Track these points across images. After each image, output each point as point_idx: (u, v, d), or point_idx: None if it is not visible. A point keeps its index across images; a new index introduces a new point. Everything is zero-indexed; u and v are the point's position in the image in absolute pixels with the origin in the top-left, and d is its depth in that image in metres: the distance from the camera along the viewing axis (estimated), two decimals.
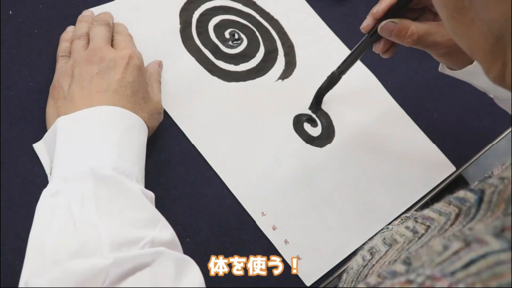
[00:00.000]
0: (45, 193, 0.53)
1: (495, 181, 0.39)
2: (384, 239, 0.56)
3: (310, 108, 0.75)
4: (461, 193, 0.44)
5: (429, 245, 0.39)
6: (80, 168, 0.53)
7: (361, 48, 0.66)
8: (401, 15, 0.61)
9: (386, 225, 0.69)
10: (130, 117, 0.59)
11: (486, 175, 0.52)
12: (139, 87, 0.62)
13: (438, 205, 0.48)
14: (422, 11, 0.64)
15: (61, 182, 0.53)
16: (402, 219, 0.67)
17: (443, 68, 0.69)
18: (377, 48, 0.64)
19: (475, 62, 0.63)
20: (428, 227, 0.48)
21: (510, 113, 0.71)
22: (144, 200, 0.54)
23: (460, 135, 0.84)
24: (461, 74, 0.66)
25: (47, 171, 0.58)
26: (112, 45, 0.65)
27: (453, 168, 0.79)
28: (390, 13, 0.61)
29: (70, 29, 0.67)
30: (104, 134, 0.56)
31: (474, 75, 0.65)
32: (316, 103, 0.75)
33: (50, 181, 0.55)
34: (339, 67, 0.70)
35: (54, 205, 0.51)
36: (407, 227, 0.52)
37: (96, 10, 0.70)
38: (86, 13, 0.68)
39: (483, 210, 0.39)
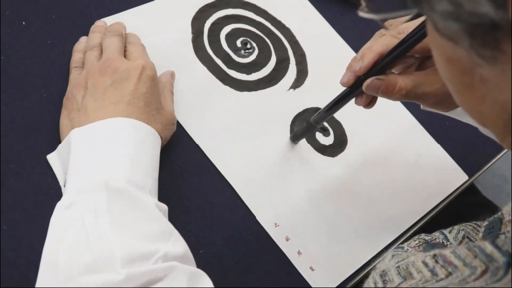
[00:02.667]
0: (59, 206, 0.53)
1: None
2: (399, 267, 0.55)
3: (290, 138, 0.72)
4: (488, 247, 0.43)
5: None
6: (94, 180, 0.53)
7: (340, 102, 0.62)
8: (386, 71, 0.57)
9: (400, 243, 0.68)
10: (144, 128, 0.59)
11: (496, 215, 0.51)
12: (153, 98, 0.61)
13: (462, 251, 0.47)
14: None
15: (75, 195, 0.53)
16: (420, 242, 0.66)
17: (425, 107, 0.65)
18: (359, 102, 0.60)
19: None
20: (450, 273, 0.47)
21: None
22: (158, 213, 0.54)
23: (472, 143, 0.84)
24: (449, 113, 0.64)
25: (61, 183, 0.58)
26: (125, 56, 0.65)
27: (466, 177, 0.79)
28: (373, 69, 0.57)
29: (83, 39, 0.67)
30: (118, 146, 0.56)
31: (463, 115, 0.62)
32: (293, 139, 0.72)
33: (64, 193, 0.55)
34: (314, 118, 0.66)
35: (68, 218, 0.52)
36: (425, 264, 0.51)
37: (109, 20, 0.70)
38: (98, 23, 0.69)
39: (509, 274, 0.39)
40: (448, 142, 0.81)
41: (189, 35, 0.74)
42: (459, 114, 0.63)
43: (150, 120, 0.60)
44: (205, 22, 0.76)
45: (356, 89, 0.59)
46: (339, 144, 0.74)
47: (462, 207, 0.92)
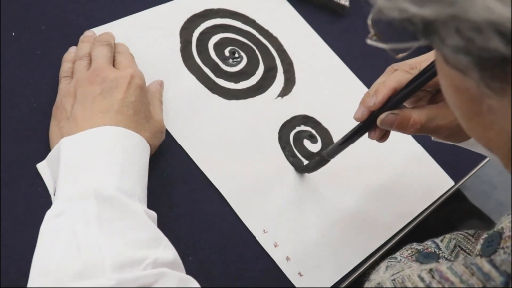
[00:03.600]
0: (49, 214, 0.54)
1: None
2: (394, 280, 0.56)
3: (296, 170, 0.72)
4: (485, 266, 0.43)
5: None
6: (83, 188, 0.54)
7: (354, 137, 0.62)
8: (399, 106, 0.58)
9: (393, 254, 0.69)
10: (133, 137, 0.59)
11: (495, 229, 0.51)
12: (141, 106, 0.62)
13: (459, 268, 0.47)
14: None
15: (65, 203, 0.54)
16: (412, 251, 0.67)
17: (436, 139, 0.66)
18: (373, 136, 0.61)
19: None
20: None
21: None
22: (147, 220, 0.54)
23: (458, 149, 0.85)
24: (461, 144, 0.65)
25: (51, 192, 0.59)
26: (114, 65, 0.66)
27: (452, 183, 0.80)
28: (387, 104, 0.57)
29: (72, 49, 0.68)
30: (107, 154, 0.57)
31: (475, 145, 0.64)
32: (302, 171, 0.73)
33: (53, 201, 0.56)
34: (328, 151, 0.67)
35: (58, 226, 0.52)
36: (421, 278, 0.52)
37: (98, 30, 0.70)
38: (88, 33, 0.69)
39: None
40: (434, 148, 0.82)
41: (177, 45, 0.75)
42: (471, 145, 0.64)
43: (139, 128, 0.60)
44: (193, 31, 0.77)
45: (369, 124, 0.59)
46: None
47: (451, 214, 0.93)
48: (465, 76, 0.32)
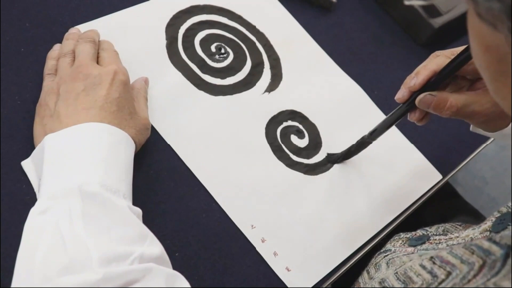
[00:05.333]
0: (33, 211, 0.53)
1: None
2: (397, 273, 0.56)
3: (328, 158, 0.75)
4: (485, 244, 0.44)
5: None
6: (67, 185, 0.54)
7: (395, 117, 0.65)
8: (438, 87, 0.60)
9: (386, 247, 0.69)
10: (117, 133, 0.59)
11: (510, 209, 0.52)
12: (126, 102, 0.62)
13: (459, 251, 0.48)
14: (454, 77, 0.63)
15: (49, 200, 0.53)
16: (402, 240, 0.67)
17: (475, 129, 0.69)
18: (413, 117, 0.63)
19: (510, 125, 0.63)
20: (449, 273, 0.48)
21: None
22: (132, 217, 0.54)
23: (447, 143, 0.85)
24: (495, 135, 0.67)
25: (36, 189, 0.59)
26: (98, 62, 0.65)
27: (440, 176, 0.80)
28: (427, 85, 0.60)
29: (56, 47, 0.67)
30: (91, 150, 0.57)
31: (507, 136, 0.65)
32: (338, 159, 0.75)
33: (38, 199, 0.56)
34: (371, 133, 0.69)
35: (42, 223, 0.52)
36: (423, 267, 0.52)
37: (83, 27, 0.70)
38: (72, 30, 0.69)
39: (508, 265, 0.40)
40: (423, 142, 0.82)
41: (163, 41, 0.75)
42: (504, 136, 0.66)
43: (123, 125, 0.60)
44: (179, 28, 0.77)
45: (410, 105, 0.62)
46: (314, 146, 0.75)
47: (443, 210, 0.94)
48: (495, 30, 0.34)
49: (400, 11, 0.92)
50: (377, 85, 0.85)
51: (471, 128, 0.70)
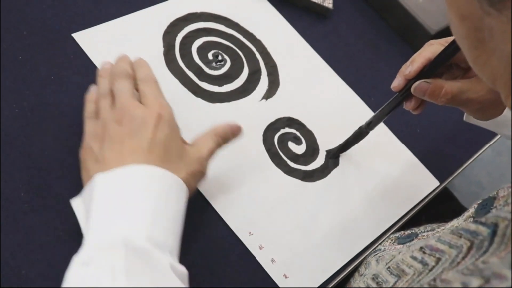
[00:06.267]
0: (76, 261, 0.51)
1: (508, 215, 0.40)
2: (389, 267, 0.56)
3: (328, 155, 0.76)
4: (471, 226, 0.44)
5: (444, 280, 0.39)
6: (112, 236, 0.52)
7: (391, 106, 0.66)
8: (433, 75, 0.61)
9: (376, 247, 0.69)
10: (167, 177, 0.56)
11: (490, 195, 0.53)
12: (173, 143, 0.59)
13: (447, 237, 0.48)
14: (449, 67, 0.64)
15: (93, 251, 0.51)
16: (392, 240, 0.68)
17: (468, 118, 0.70)
18: (408, 106, 0.64)
19: (504, 113, 0.64)
20: (439, 259, 0.48)
21: None
22: (173, 278, 0.52)
23: (444, 149, 0.86)
24: (488, 124, 0.67)
25: (82, 229, 0.56)
26: (138, 94, 0.62)
27: (437, 183, 0.80)
28: (422, 73, 0.61)
29: (93, 89, 0.64)
30: (140, 197, 0.54)
31: (502, 125, 0.66)
32: (337, 151, 0.76)
33: (83, 245, 0.53)
34: (367, 123, 0.70)
35: (84, 275, 0.50)
36: (414, 258, 0.52)
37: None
38: (105, 66, 0.65)
39: (496, 243, 0.40)
40: (420, 148, 0.83)
41: (160, 49, 0.75)
42: (497, 125, 0.67)
43: (172, 168, 0.57)
44: (176, 35, 0.77)
45: (406, 94, 0.63)
46: (311, 153, 0.75)
47: (440, 215, 0.94)
48: None
49: (396, 17, 0.93)
50: (374, 91, 0.85)
51: (465, 117, 0.71)
